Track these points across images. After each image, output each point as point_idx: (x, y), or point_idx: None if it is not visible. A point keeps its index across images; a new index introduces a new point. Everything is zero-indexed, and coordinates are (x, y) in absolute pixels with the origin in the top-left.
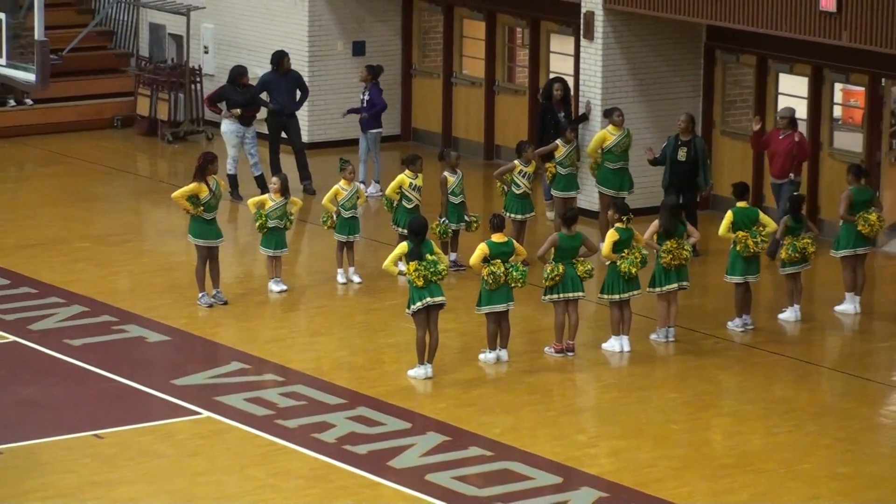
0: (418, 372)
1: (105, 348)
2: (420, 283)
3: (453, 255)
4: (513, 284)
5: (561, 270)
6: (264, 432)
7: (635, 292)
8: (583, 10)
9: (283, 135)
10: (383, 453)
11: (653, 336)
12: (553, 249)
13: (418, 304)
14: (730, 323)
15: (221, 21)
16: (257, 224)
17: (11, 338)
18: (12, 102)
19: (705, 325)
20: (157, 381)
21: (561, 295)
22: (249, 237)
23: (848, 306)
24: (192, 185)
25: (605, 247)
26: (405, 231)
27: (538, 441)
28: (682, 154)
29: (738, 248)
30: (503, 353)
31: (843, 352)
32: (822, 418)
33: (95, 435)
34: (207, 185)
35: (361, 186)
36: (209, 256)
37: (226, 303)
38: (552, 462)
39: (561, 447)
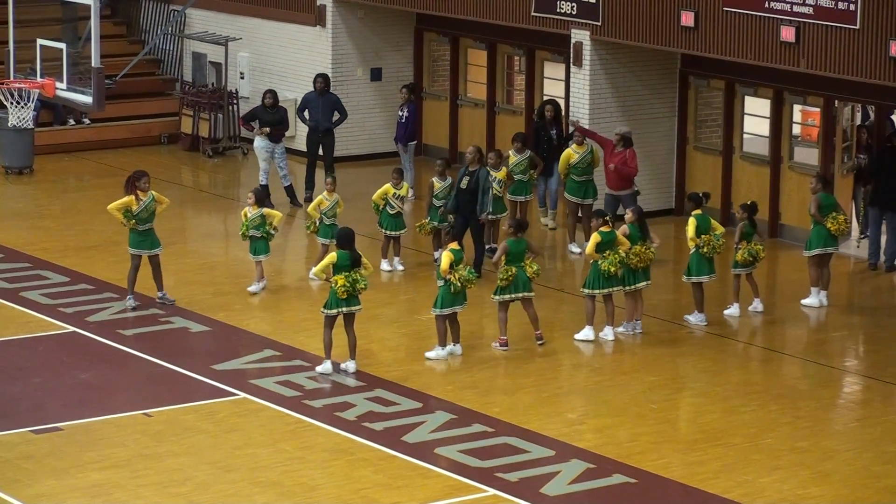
0: (326, 367)
1: (153, 337)
2: (344, 297)
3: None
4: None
5: (513, 272)
6: (293, 411)
7: (615, 288)
8: (573, 41)
9: (321, 152)
10: (398, 430)
11: (619, 329)
12: (505, 255)
13: (335, 310)
14: (692, 318)
15: (255, 50)
16: (240, 233)
17: (71, 328)
18: (72, 122)
19: (680, 318)
20: (198, 366)
21: (513, 295)
22: (278, 240)
23: (813, 300)
24: (125, 199)
25: (589, 247)
26: (389, 233)
27: (533, 419)
28: (464, 182)
29: (704, 249)
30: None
31: (800, 340)
32: (782, 399)
33: (145, 413)
34: (137, 198)
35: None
36: (150, 264)
37: (173, 302)
38: (545, 437)
39: (553, 424)
